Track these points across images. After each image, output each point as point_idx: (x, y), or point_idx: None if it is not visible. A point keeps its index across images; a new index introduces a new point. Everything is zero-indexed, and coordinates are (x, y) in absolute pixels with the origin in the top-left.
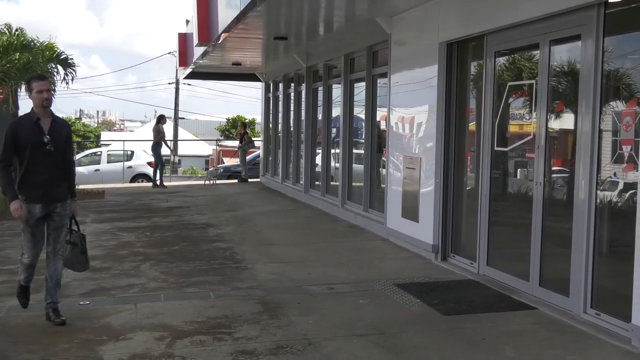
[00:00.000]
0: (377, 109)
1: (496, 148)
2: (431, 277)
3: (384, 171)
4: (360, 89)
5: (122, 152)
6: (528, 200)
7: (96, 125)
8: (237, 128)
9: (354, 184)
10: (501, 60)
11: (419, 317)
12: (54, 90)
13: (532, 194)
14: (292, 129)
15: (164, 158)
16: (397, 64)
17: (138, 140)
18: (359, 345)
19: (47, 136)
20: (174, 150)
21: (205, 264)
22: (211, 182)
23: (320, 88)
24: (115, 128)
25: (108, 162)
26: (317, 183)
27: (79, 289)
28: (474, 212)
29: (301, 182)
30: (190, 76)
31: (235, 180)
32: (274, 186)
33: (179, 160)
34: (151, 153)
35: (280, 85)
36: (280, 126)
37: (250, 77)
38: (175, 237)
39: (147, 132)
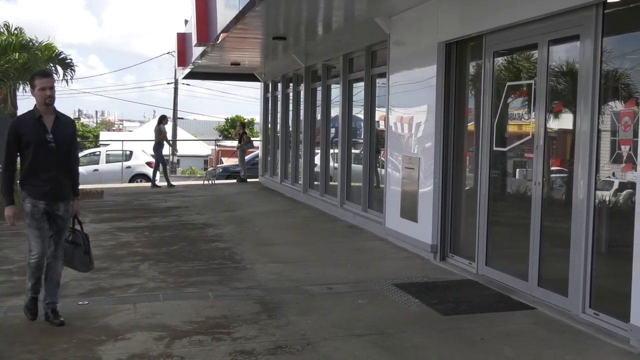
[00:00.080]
0: (376, 109)
1: (495, 148)
2: (430, 277)
3: (382, 171)
4: (359, 89)
5: (120, 152)
6: (527, 200)
7: (95, 125)
8: (236, 128)
9: (352, 184)
10: (500, 60)
11: (418, 317)
12: None
13: (531, 194)
14: (290, 129)
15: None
16: (396, 64)
17: (137, 140)
18: (357, 345)
19: (50, 134)
20: (174, 150)
21: (204, 264)
22: (210, 182)
23: (319, 88)
24: (114, 128)
25: (107, 162)
26: (316, 183)
27: (78, 289)
28: (473, 212)
29: (300, 182)
30: (189, 76)
31: (234, 180)
32: (272, 186)
33: (178, 160)
34: (152, 153)
35: (279, 85)
36: (279, 126)
37: (249, 77)
38: (174, 237)
39: (146, 132)
